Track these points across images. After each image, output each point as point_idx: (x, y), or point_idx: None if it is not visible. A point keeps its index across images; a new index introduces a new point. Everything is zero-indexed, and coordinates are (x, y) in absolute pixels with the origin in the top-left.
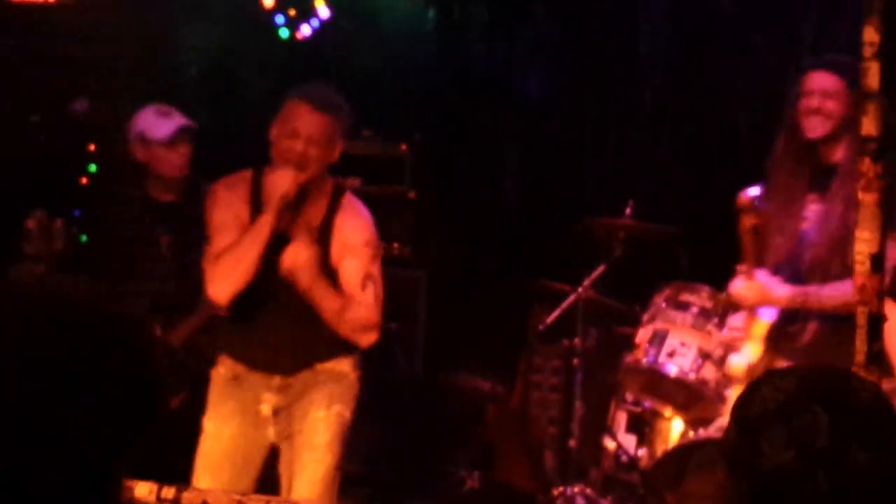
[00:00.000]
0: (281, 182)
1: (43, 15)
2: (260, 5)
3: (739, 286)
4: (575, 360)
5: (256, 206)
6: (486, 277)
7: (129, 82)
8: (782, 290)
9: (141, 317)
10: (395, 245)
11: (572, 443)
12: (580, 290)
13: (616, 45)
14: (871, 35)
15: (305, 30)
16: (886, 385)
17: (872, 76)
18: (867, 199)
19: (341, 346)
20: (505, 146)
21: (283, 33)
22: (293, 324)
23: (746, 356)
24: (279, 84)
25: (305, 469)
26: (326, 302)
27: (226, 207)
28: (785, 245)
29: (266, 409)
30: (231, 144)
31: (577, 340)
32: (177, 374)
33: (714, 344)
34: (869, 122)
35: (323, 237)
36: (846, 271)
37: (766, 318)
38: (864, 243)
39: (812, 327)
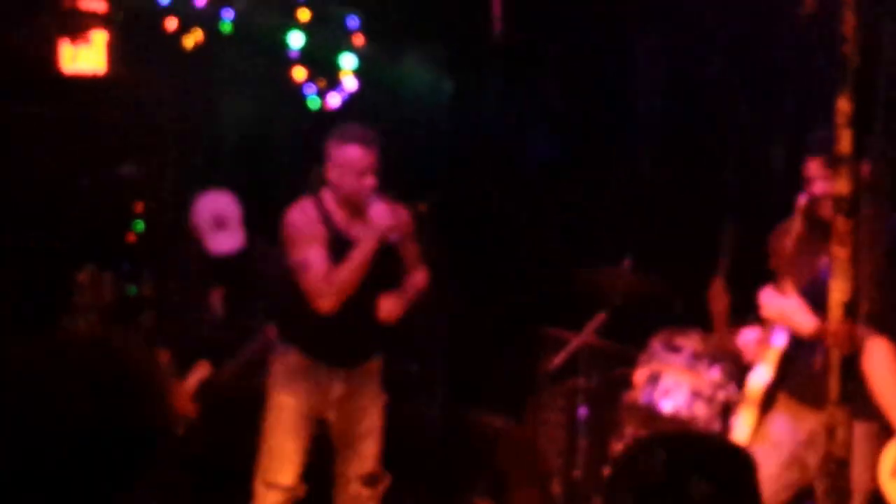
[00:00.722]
0: (382, 218)
1: (94, 86)
2: (291, 78)
3: (771, 296)
4: (579, 399)
5: (328, 224)
6: (500, 324)
7: (172, 148)
8: (807, 322)
9: (154, 366)
10: None
11: (577, 473)
12: (583, 335)
13: (616, 111)
14: (844, 105)
15: (334, 100)
16: (867, 429)
17: (845, 142)
18: (840, 253)
19: (381, 342)
20: (516, 203)
21: (314, 103)
22: (356, 321)
23: (762, 378)
24: (310, 150)
25: (369, 449)
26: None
27: (309, 227)
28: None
29: (335, 394)
30: (266, 204)
31: (580, 381)
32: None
33: (704, 384)
34: (842, 182)
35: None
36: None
37: (779, 343)
38: (837, 292)
39: (822, 358)
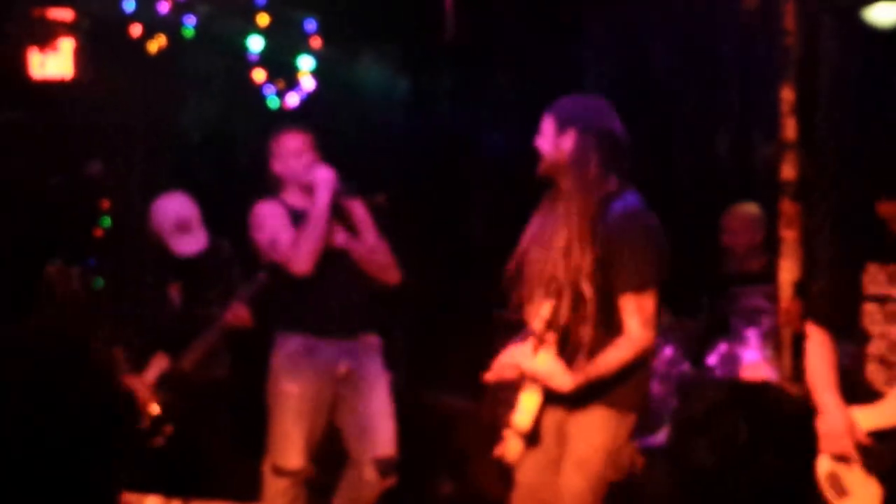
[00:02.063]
0: (326, 176)
1: (62, 89)
2: (252, 79)
3: (523, 357)
4: None
5: (288, 209)
6: (459, 308)
7: (138, 148)
8: (566, 382)
9: (108, 360)
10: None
11: None
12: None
13: None
14: (787, 94)
15: (292, 99)
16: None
17: (789, 129)
18: (788, 235)
19: (377, 318)
20: (472, 195)
21: (273, 103)
22: (345, 291)
23: (527, 410)
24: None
25: (385, 431)
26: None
27: (270, 212)
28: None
29: (341, 370)
30: (229, 198)
31: None
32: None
33: (659, 362)
34: (787, 168)
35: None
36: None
37: None
38: (786, 272)
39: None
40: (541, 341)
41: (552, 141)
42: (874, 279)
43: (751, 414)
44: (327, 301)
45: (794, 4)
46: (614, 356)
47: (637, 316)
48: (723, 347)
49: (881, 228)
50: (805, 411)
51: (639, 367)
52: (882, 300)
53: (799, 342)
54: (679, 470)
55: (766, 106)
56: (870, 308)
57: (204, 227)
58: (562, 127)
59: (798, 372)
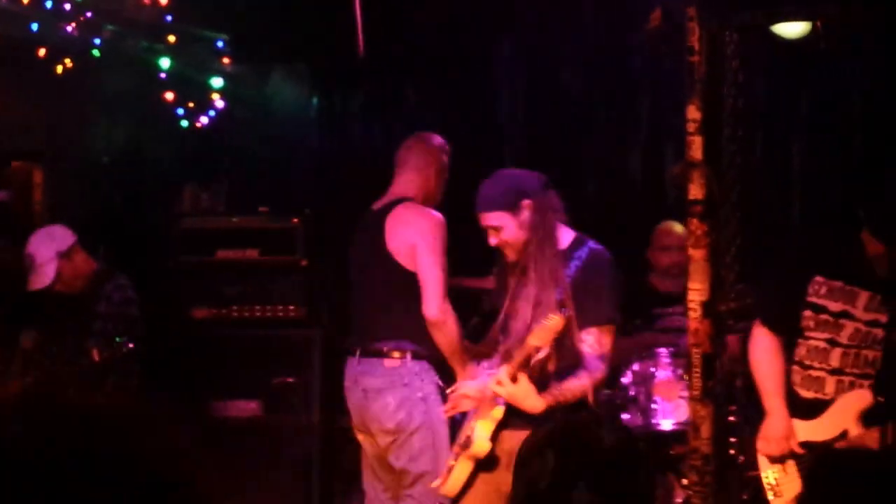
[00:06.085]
0: None
1: None
2: (162, 99)
3: (501, 384)
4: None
5: None
6: None
7: (45, 173)
8: (537, 404)
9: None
10: (291, 307)
11: None
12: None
13: (478, 125)
14: (693, 113)
15: (203, 119)
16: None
17: (696, 148)
18: (696, 254)
19: None
20: None
21: (184, 123)
22: None
23: (485, 436)
24: (182, 168)
25: None
26: None
27: None
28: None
29: None
30: (141, 224)
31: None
32: None
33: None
34: (695, 187)
35: None
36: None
37: (502, 403)
38: (695, 293)
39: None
40: (517, 371)
41: (512, 224)
42: (817, 291)
43: (562, 449)
44: None
45: (697, 23)
46: (576, 384)
47: (595, 349)
48: (636, 366)
49: (837, 248)
50: (622, 446)
51: None
52: (818, 310)
53: (709, 362)
54: None
55: (677, 125)
56: (807, 314)
57: (56, 262)
58: (515, 207)
59: (707, 392)
